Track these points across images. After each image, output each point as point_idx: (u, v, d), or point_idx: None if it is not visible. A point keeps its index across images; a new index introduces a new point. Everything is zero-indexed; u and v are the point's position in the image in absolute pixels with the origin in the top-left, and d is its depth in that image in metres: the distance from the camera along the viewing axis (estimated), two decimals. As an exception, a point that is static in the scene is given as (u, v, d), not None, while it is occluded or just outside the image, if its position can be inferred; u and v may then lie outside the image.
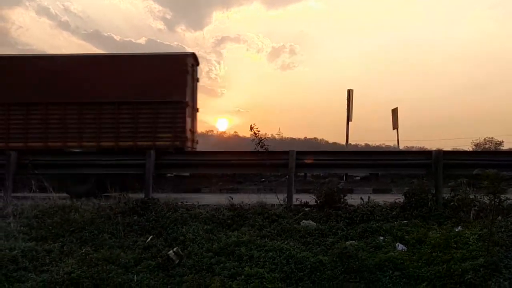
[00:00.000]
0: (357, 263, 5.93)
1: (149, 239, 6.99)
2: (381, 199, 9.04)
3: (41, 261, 6.24)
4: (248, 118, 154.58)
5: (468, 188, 8.45)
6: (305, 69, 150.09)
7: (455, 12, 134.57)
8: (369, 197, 8.96)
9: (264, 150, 9.22)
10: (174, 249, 6.34)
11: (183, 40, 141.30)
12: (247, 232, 7.23)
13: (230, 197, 8.89)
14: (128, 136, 14.58)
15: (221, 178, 17.51)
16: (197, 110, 16.36)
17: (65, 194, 11.25)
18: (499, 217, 7.37)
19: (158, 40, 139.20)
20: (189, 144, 15.06)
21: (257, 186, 14.78)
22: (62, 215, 7.91)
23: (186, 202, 8.96)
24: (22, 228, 7.46)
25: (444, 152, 9.08)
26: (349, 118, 18.36)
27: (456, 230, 7.08)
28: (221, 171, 13.04)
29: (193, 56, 16.02)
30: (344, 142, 18.70)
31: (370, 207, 8.41)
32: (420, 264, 5.93)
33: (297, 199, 8.95)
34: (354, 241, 6.82)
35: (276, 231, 7.32)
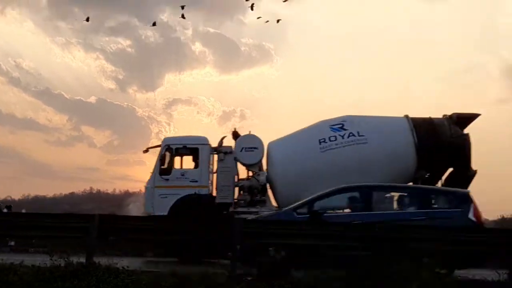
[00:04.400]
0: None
1: (89, 305, 6.85)
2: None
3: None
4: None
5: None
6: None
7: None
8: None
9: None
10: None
11: (134, 101, 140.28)
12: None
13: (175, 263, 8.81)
14: None
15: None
16: None
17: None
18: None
19: (109, 100, 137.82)
20: None
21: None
22: (0, 277, 7.67)
23: (128, 267, 8.77)
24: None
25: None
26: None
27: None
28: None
29: None
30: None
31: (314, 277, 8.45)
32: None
33: (242, 268, 8.92)
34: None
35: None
